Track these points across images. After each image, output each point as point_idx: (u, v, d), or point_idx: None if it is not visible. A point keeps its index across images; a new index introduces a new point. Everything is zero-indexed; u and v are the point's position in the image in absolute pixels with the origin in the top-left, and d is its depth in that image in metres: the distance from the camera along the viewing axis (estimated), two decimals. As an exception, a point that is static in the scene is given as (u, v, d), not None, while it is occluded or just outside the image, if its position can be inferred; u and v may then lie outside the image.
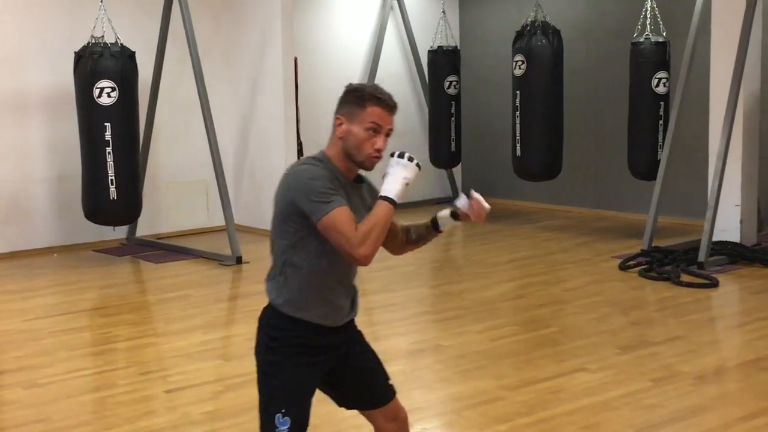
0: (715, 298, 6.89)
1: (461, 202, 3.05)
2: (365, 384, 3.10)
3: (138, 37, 8.65)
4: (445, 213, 3.09)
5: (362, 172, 2.99)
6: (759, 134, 8.31)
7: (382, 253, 2.96)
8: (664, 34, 8.97)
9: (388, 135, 2.88)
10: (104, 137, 7.92)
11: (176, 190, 9.75)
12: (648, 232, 8.23)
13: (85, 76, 7.92)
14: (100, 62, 7.88)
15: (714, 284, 7.06)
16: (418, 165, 2.88)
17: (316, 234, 2.82)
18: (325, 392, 3.11)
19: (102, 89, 7.87)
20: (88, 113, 7.97)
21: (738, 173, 8.10)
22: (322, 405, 4.68)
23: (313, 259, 2.87)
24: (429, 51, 11.22)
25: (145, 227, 9.32)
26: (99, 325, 6.53)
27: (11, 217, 8.71)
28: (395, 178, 2.83)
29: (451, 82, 11.08)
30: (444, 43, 11.23)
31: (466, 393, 4.85)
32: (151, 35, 8.80)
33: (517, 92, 9.45)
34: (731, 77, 7.74)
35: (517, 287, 7.43)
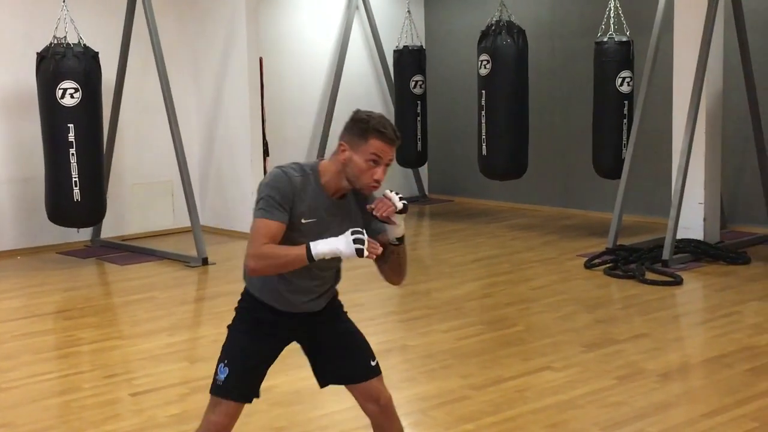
0: (680, 295, 6.95)
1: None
2: (341, 356, 3.25)
3: (101, 38, 8.58)
4: (381, 225, 3.10)
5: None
6: (721, 132, 8.38)
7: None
8: (627, 33, 9.03)
9: (388, 165, 3.01)
10: (68, 138, 7.85)
11: (141, 192, 9.68)
12: (613, 231, 8.29)
13: (47, 77, 7.84)
14: (63, 63, 7.81)
15: (678, 282, 7.13)
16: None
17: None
18: (311, 365, 3.30)
19: (65, 90, 7.80)
20: (51, 114, 7.89)
21: (701, 171, 8.17)
22: (290, 406, 4.65)
23: None
24: (394, 50, 11.25)
25: (109, 229, 9.25)
26: (63, 327, 6.47)
27: (-27, 220, 8.62)
28: (331, 246, 2.91)
29: (416, 81, 11.12)
30: (409, 43, 11.26)
31: (432, 392, 4.85)
32: (114, 35, 8.74)
33: (483, 91, 9.47)
34: (694, 76, 7.82)
35: (483, 286, 7.46)
